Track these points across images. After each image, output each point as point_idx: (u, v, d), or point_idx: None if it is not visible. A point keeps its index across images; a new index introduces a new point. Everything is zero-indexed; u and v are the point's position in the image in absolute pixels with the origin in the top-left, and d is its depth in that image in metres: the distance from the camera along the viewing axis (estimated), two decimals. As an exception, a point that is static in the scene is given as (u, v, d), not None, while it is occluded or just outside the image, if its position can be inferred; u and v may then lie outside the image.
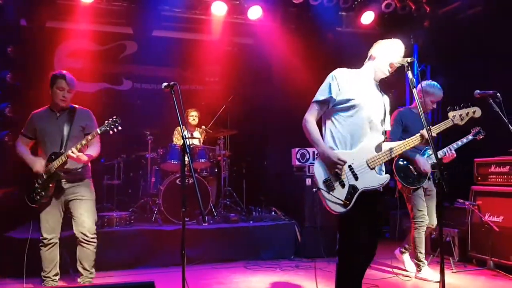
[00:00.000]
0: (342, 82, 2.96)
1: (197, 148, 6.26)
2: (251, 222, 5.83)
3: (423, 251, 4.60)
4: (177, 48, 7.42)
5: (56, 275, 3.94)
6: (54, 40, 7.03)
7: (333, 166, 2.86)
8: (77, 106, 3.99)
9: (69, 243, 4.03)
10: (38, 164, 3.74)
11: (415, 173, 4.43)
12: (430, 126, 3.00)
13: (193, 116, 6.76)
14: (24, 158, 3.83)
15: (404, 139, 4.36)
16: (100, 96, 7.33)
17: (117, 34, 7.40)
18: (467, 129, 4.33)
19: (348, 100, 2.93)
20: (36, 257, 3.93)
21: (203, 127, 6.88)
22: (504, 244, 4.69)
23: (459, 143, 4.47)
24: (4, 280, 4.49)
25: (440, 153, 4.40)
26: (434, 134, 3.14)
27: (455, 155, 4.40)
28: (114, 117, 3.72)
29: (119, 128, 3.72)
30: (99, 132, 3.69)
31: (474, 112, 3.23)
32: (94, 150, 3.85)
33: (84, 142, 3.67)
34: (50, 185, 3.72)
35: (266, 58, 7.60)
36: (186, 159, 3.08)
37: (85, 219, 3.81)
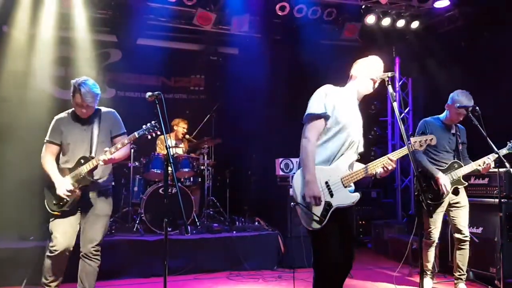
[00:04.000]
0: (333, 100, 2.93)
1: (181, 157, 6.24)
2: (234, 232, 5.81)
3: (429, 266, 4.53)
4: (161, 57, 7.39)
5: (56, 286, 3.75)
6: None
7: (308, 196, 2.79)
8: (101, 108, 3.79)
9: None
10: (63, 188, 3.49)
11: (436, 188, 4.28)
12: (410, 142, 2.98)
13: (184, 128, 6.75)
14: (50, 174, 3.58)
15: (429, 150, 4.37)
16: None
17: (101, 42, 7.35)
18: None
19: (336, 120, 2.91)
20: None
21: (187, 136, 6.86)
22: (483, 255, 4.75)
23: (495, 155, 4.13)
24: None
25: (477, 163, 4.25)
26: (394, 158, 2.99)
27: (492, 166, 4.21)
28: (153, 121, 3.50)
29: (158, 132, 3.51)
30: (137, 136, 3.51)
31: (431, 139, 3.19)
32: (121, 152, 3.62)
33: (119, 145, 3.51)
34: (77, 190, 3.54)
35: (251, 68, 7.64)
36: (170, 168, 3.05)
37: (95, 237, 3.62)
